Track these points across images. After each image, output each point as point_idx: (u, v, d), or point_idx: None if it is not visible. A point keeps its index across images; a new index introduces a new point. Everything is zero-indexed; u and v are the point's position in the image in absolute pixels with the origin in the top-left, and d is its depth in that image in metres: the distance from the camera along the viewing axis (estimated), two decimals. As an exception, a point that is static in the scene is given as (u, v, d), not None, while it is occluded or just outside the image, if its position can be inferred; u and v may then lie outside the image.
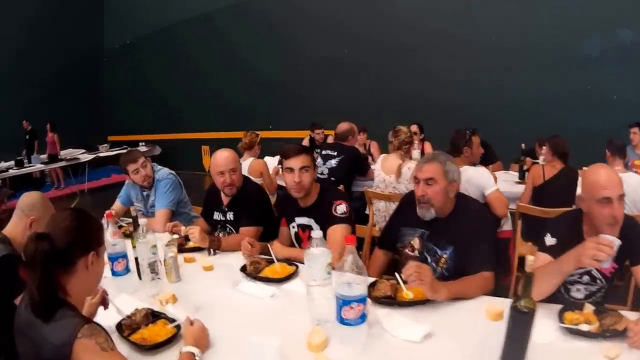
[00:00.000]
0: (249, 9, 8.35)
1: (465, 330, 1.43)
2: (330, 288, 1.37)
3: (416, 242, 1.91)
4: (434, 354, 1.31)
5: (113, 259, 1.79)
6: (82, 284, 1.21)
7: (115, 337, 1.35)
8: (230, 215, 2.47)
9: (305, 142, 5.77)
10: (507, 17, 6.03)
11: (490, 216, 2.52)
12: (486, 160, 3.65)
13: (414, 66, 6.76)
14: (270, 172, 4.07)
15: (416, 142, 4.03)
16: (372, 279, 1.70)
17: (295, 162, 2.05)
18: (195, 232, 2.13)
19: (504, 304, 1.49)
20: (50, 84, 9.56)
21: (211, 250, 2.19)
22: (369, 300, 1.42)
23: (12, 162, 7.87)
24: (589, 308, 1.43)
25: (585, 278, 1.69)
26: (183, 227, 2.31)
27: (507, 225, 3.09)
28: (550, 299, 1.52)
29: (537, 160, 3.98)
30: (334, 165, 3.85)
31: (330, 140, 5.23)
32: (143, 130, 10.41)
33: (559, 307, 1.47)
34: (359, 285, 1.26)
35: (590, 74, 5.57)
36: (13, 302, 1.51)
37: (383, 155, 3.69)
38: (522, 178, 3.95)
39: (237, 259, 2.08)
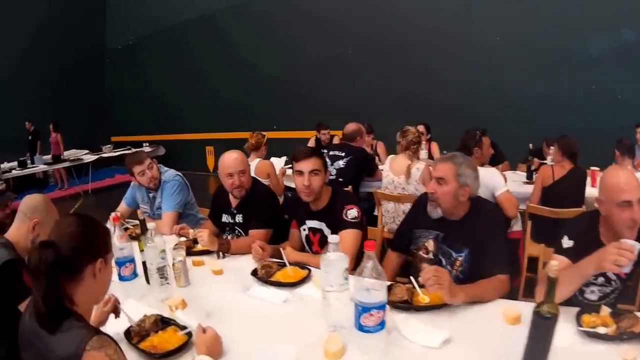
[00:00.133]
0: (250, 9, 8.36)
1: (483, 334, 1.41)
2: (347, 294, 1.34)
3: (430, 244, 1.88)
4: (453, 360, 1.28)
5: (120, 263, 1.75)
6: (89, 292, 1.16)
7: (123, 344, 1.31)
8: (239, 218, 2.42)
9: (311, 143, 5.72)
10: (507, 17, 5.99)
11: (503, 217, 2.49)
12: (494, 161, 3.62)
13: (415, 66, 6.73)
14: (277, 173, 4.05)
15: (423, 142, 4.00)
16: (387, 283, 1.67)
17: (305, 165, 2.00)
18: (204, 235, 2.08)
19: (520, 307, 1.48)
20: (53, 84, 9.58)
21: (220, 253, 2.14)
22: (387, 306, 1.38)
23: (15, 163, 7.88)
24: (605, 310, 1.43)
25: (600, 280, 1.68)
26: (191, 230, 2.27)
27: (517, 226, 3.07)
28: (565, 301, 1.50)
29: (545, 161, 3.96)
30: (341, 166, 3.81)
31: (336, 140, 5.20)
32: (145, 130, 10.42)
33: (575, 310, 1.46)
34: (378, 291, 1.23)
35: (595, 74, 5.53)
36: (17, 308, 1.49)
37: (391, 156, 3.65)
38: (529, 178, 3.92)
39: (248, 263, 2.04)
